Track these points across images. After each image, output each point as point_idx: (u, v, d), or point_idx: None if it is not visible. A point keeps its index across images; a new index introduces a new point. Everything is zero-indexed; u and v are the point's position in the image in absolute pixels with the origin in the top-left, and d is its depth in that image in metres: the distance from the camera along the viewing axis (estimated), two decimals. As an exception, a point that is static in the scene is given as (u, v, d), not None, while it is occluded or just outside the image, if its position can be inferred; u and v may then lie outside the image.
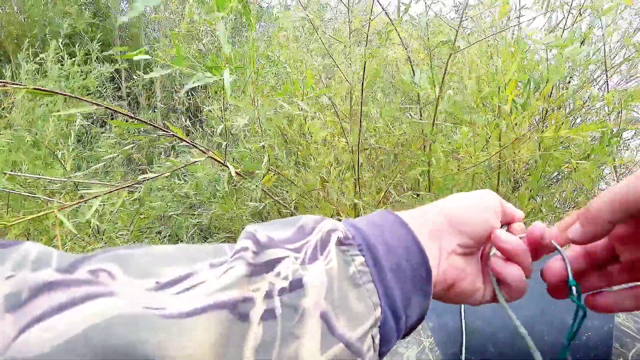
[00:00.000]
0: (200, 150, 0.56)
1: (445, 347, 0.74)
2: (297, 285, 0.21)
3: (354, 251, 0.24)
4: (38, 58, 1.55)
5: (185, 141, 0.55)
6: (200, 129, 1.74)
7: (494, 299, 0.31)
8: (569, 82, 1.03)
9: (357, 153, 0.79)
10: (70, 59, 1.58)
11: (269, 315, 0.20)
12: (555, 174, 1.08)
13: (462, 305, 0.74)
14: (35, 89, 0.50)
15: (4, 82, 0.52)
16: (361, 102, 0.81)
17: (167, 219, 1.16)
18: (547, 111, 0.74)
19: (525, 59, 0.63)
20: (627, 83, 1.03)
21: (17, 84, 0.47)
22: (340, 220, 0.29)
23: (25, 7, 2.68)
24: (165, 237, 1.11)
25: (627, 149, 1.40)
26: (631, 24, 1.24)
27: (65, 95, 0.56)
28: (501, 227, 0.31)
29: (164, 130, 0.54)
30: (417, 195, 0.81)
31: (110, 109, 0.51)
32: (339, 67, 0.88)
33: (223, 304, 0.19)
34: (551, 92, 0.74)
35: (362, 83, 0.76)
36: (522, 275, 0.29)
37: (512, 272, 0.29)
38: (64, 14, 2.66)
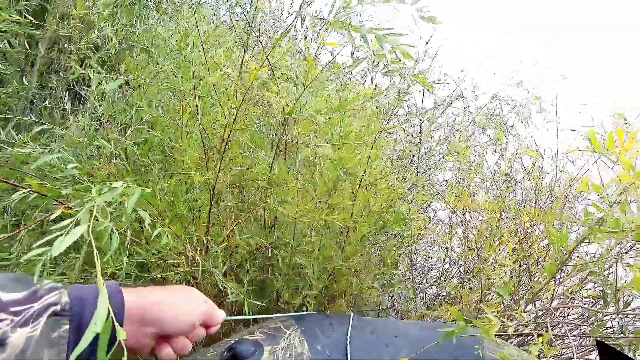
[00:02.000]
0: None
1: None
2: (1, 343, 0.33)
3: (64, 321, 0.37)
4: None
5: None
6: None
7: None
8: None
9: (212, 192, 0.93)
10: None
11: None
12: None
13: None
14: None
15: None
16: (226, 141, 0.96)
17: None
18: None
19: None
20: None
21: None
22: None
23: None
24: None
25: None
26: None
27: None
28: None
29: (23, 188, 0.58)
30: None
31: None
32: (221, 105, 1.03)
33: None
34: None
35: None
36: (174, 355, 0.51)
37: (168, 352, 0.51)
38: None
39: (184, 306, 0.50)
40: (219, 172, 0.90)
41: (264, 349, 0.81)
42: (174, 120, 0.98)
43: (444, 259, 1.57)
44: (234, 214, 1.05)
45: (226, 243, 1.03)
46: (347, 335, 0.87)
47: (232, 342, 0.82)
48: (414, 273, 1.41)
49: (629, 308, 1.08)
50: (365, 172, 0.89)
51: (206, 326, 0.56)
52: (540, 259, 1.16)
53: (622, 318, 1.04)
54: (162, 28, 1.13)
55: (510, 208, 1.17)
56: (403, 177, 1.28)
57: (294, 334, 0.87)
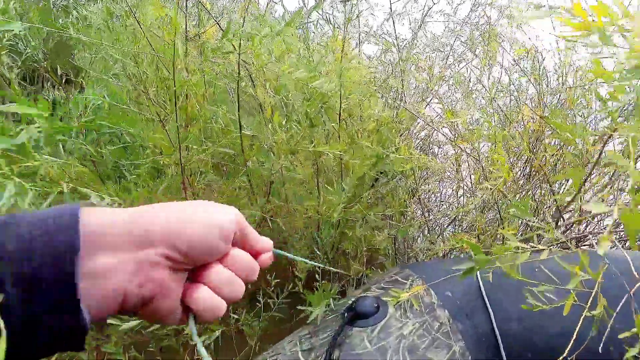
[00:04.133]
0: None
1: (478, 351, 0.70)
2: None
3: None
4: None
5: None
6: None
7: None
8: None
9: (183, 171, 0.86)
10: None
11: None
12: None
13: (490, 308, 0.72)
14: None
15: None
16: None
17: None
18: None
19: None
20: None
21: None
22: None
23: None
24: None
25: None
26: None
27: None
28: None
29: None
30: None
31: None
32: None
33: None
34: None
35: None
36: (216, 302, 0.30)
37: (203, 297, 0.30)
38: None
39: (209, 210, 0.31)
40: (180, 146, 0.83)
41: (388, 304, 0.74)
42: (127, 106, 0.90)
43: (457, 192, 1.49)
44: (217, 191, 0.98)
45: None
46: (477, 277, 0.78)
47: (351, 301, 0.76)
48: (426, 213, 1.34)
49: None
50: (340, 98, 0.80)
51: (255, 253, 0.35)
52: (557, 165, 1.07)
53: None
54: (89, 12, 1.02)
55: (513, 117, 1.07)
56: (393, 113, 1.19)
57: (416, 283, 0.79)
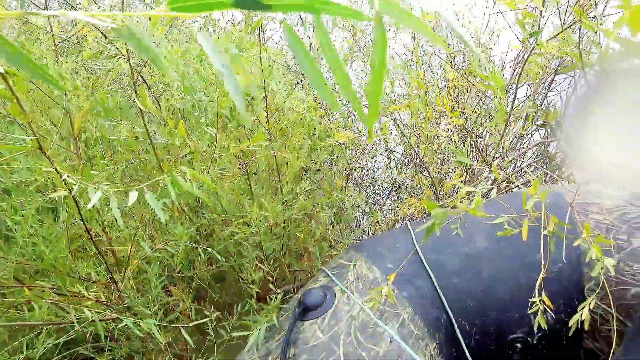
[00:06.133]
0: None
1: (426, 312, 0.75)
2: None
3: None
4: None
5: None
6: None
7: None
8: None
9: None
10: None
11: None
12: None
13: (429, 269, 0.78)
14: None
15: None
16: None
17: None
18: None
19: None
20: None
21: None
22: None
23: None
24: None
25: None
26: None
27: None
28: None
29: None
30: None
31: None
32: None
33: None
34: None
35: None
36: None
37: None
38: None
39: None
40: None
41: (334, 290, 0.77)
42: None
43: (389, 164, 1.52)
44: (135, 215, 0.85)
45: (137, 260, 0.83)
46: (413, 242, 0.83)
47: (300, 295, 0.78)
48: (363, 192, 1.35)
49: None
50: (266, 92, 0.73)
51: None
52: (478, 118, 1.14)
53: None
54: None
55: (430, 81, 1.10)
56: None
57: (359, 262, 0.82)
